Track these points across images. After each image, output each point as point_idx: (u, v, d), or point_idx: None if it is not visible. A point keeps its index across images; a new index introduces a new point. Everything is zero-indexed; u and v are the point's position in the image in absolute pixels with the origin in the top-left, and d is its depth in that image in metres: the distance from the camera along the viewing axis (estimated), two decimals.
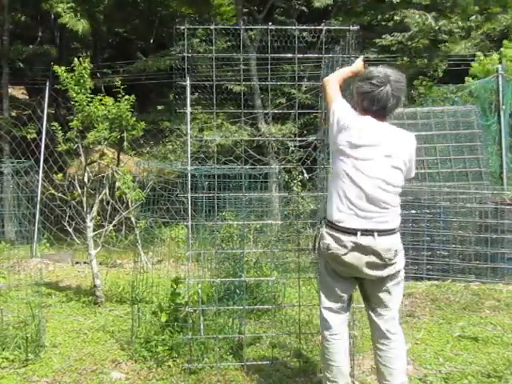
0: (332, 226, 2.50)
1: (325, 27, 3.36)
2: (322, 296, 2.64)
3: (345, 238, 2.44)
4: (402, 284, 2.61)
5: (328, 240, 2.50)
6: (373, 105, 2.50)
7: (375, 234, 2.41)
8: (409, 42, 13.08)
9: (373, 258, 2.43)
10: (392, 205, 2.47)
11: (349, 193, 2.45)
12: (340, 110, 2.59)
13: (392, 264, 2.48)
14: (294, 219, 7.10)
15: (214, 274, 4.76)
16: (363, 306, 2.78)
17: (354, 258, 2.44)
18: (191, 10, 14.45)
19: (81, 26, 12.05)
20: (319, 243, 2.58)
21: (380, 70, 2.53)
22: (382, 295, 2.55)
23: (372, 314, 2.61)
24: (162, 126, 14.26)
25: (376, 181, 2.44)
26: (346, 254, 2.45)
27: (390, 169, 2.46)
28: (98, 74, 13.52)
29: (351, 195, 2.45)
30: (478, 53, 11.38)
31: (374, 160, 2.45)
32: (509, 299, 4.97)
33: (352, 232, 2.43)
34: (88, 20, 12.60)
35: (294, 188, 9.00)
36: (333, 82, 2.75)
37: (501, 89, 7.80)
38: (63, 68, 4.85)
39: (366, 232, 2.42)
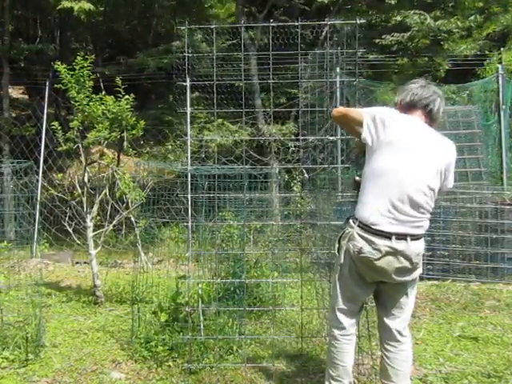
0: (365, 228, 2.38)
1: (329, 22, 3.24)
2: (339, 297, 2.55)
3: (380, 241, 2.33)
4: (416, 286, 2.60)
5: (360, 243, 2.38)
6: (416, 96, 2.50)
7: (408, 238, 2.34)
8: (409, 43, 13.07)
9: (404, 263, 2.37)
10: (429, 211, 2.43)
11: (392, 195, 2.34)
12: (381, 110, 2.52)
13: (417, 268, 2.46)
14: (294, 219, 7.10)
15: (214, 275, 4.76)
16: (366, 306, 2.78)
17: (386, 263, 2.35)
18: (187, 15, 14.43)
19: (86, 5, 11.75)
20: (347, 245, 2.46)
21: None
22: (402, 299, 2.52)
23: (384, 316, 2.57)
24: (163, 126, 14.25)
25: (420, 185, 2.35)
26: (379, 258, 2.35)
27: (432, 173, 2.39)
28: (98, 74, 13.50)
29: (394, 197, 2.34)
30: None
31: (420, 163, 2.37)
32: (509, 299, 4.97)
33: (387, 236, 2.33)
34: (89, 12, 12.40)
35: (294, 188, 9.00)
36: (345, 107, 2.68)
37: (501, 89, 7.80)
38: (64, 66, 4.85)
39: (401, 236, 2.33)
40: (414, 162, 2.37)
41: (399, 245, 2.34)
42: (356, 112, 2.53)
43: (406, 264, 2.38)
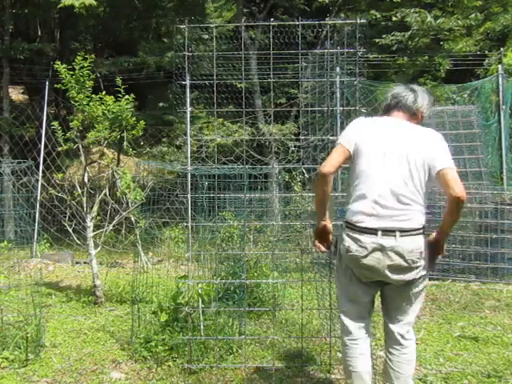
0: (351, 226, 2.41)
1: (329, 22, 3.22)
2: (341, 300, 2.57)
3: (365, 238, 2.35)
4: (424, 291, 2.52)
5: (348, 242, 2.41)
6: (393, 98, 2.57)
7: (397, 233, 2.31)
8: (409, 42, 13.06)
9: (396, 261, 2.32)
10: (415, 201, 2.36)
11: (370, 191, 2.38)
12: (348, 126, 2.58)
13: (416, 267, 2.36)
14: (293, 219, 7.10)
15: (214, 275, 4.76)
16: None
17: (374, 260, 2.33)
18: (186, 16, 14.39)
19: (87, 1, 11.64)
20: (339, 246, 2.50)
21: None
22: (404, 301, 2.47)
23: (388, 319, 2.54)
24: (163, 126, 14.24)
25: (396, 176, 2.36)
26: (366, 256, 2.34)
27: (409, 162, 2.37)
28: (98, 74, 13.50)
29: (373, 193, 2.37)
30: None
31: (393, 156, 2.39)
32: (509, 299, 4.98)
33: (372, 232, 2.33)
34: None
35: (295, 188, 9.00)
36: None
37: (501, 89, 7.80)
38: (64, 66, 4.85)
39: (388, 232, 2.31)
40: (386, 157, 2.40)
41: (387, 241, 2.32)
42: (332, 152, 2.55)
43: (399, 261, 2.32)
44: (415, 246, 2.33)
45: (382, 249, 2.32)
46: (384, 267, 2.34)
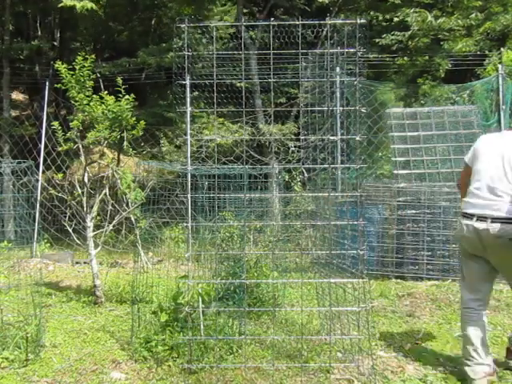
0: (462, 213, 3.11)
1: (330, 21, 3.23)
2: (462, 274, 3.24)
3: (466, 221, 3.03)
4: None
5: (459, 225, 3.13)
6: None
7: (488, 220, 2.90)
8: (409, 42, 13.06)
9: (486, 241, 2.90)
10: (509, 194, 2.88)
11: (473, 185, 3.06)
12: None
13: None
14: (294, 219, 7.10)
15: (214, 275, 4.76)
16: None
17: (471, 238, 2.99)
18: (190, 10, 14.38)
19: (89, 5, 11.57)
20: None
21: None
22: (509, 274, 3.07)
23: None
24: (163, 126, 14.23)
25: (494, 174, 2.96)
26: (466, 234, 3.03)
27: (505, 164, 2.94)
28: (98, 74, 13.51)
29: (474, 187, 3.04)
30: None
31: (495, 157, 3.00)
32: (509, 299, 4.98)
33: (470, 217, 3.00)
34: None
35: (295, 188, 9.01)
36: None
37: (501, 89, 7.80)
38: (64, 66, 4.85)
39: (481, 217, 2.94)
40: (489, 158, 3.02)
41: (480, 224, 2.93)
42: (464, 170, 3.33)
43: (488, 241, 2.89)
44: (503, 232, 2.85)
45: (475, 231, 2.96)
46: (479, 245, 2.97)
